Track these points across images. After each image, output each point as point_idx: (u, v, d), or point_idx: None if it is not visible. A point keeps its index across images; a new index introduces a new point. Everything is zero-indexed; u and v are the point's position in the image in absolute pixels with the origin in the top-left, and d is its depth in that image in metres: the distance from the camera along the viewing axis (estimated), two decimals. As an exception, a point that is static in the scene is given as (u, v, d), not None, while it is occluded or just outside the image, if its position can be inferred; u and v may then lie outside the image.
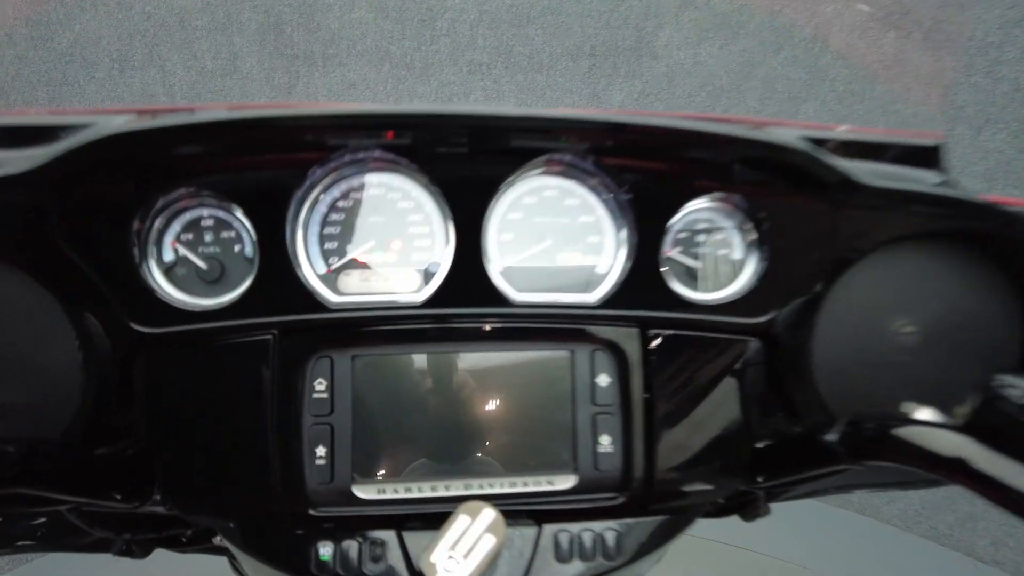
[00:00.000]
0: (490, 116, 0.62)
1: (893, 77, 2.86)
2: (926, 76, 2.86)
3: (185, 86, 2.88)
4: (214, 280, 0.69)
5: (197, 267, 0.70)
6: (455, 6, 3.03)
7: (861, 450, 0.65)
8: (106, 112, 0.67)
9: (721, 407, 0.74)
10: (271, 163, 0.66)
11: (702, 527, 0.79)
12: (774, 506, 0.86)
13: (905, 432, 0.58)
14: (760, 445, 0.76)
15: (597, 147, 0.68)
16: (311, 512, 0.69)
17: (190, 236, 0.70)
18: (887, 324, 0.74)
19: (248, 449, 0.68)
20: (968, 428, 0.49)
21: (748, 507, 0.85)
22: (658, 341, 0.72)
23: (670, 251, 0.74)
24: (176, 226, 0.71)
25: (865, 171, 0.69)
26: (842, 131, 0.77)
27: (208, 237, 0.70)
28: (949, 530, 2.38)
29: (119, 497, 0.67)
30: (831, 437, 0.66)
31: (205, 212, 0.70)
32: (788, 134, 0.70)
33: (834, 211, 0.71)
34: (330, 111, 0.63)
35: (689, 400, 0.73)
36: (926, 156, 0.76)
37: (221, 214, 0.70)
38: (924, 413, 0.69)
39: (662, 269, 0.72)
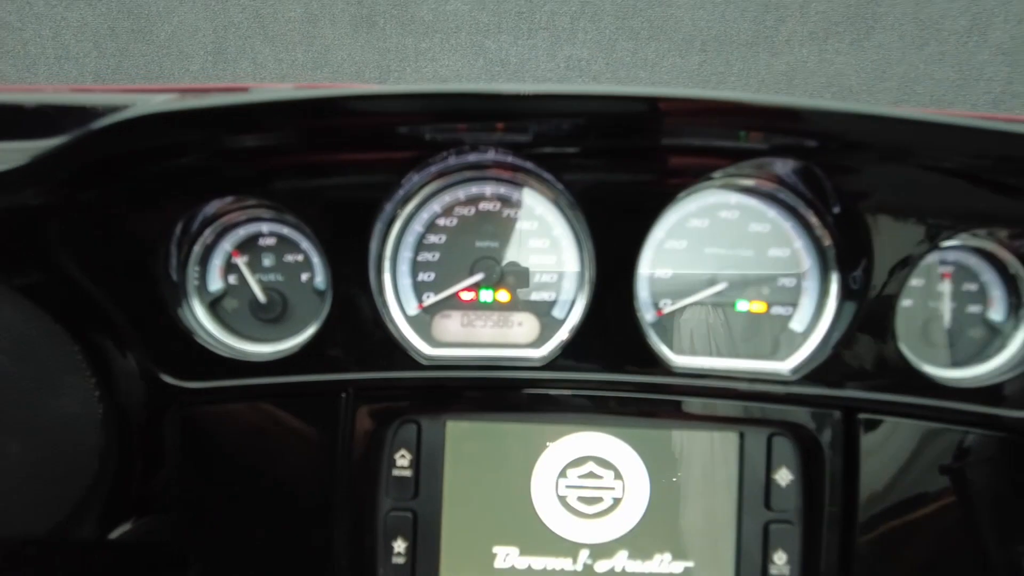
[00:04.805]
0: (659, 98, 0.43)
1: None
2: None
3: (275, 78, 2.82)
4: (273, 318, 0.53)
5: (253, 300, 0.54)
6: (557, -4, 2.83)
7: None
8: (145, 91, 0.52)
9: (947, 526, 0.55)
10: (352, 165, 0.49)
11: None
12: None
13: None
14: None
15: (798, 148, 0.49)
16: None
17: (244, 259, 0.54)
18: None
19: (308, 535, 0.55)
20: None
21: None
22: (869, 431, 0.53)
23: (898, 304, 0.53)
24: (226, 244, 0.55)
25: None
26: None
27: (268, 261, 0.55)
28: None
29: None
30: None
31: (265, 228, 0.55)
32: None
33: None
34: (435, 90, 0.45)
35: (903, 513, 0.54)
36: None
37: (285, 231, 0.54)
38: None
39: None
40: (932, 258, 0.54)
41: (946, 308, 0.55)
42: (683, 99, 0.46)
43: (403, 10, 3.22)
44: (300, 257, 0.55)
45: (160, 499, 0.55)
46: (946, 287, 0.55)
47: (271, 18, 3.11)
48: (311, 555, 0.54)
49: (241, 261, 0.55)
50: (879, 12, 2.92)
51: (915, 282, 0.55)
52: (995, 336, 0.55)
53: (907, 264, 0.51)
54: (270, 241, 0.56)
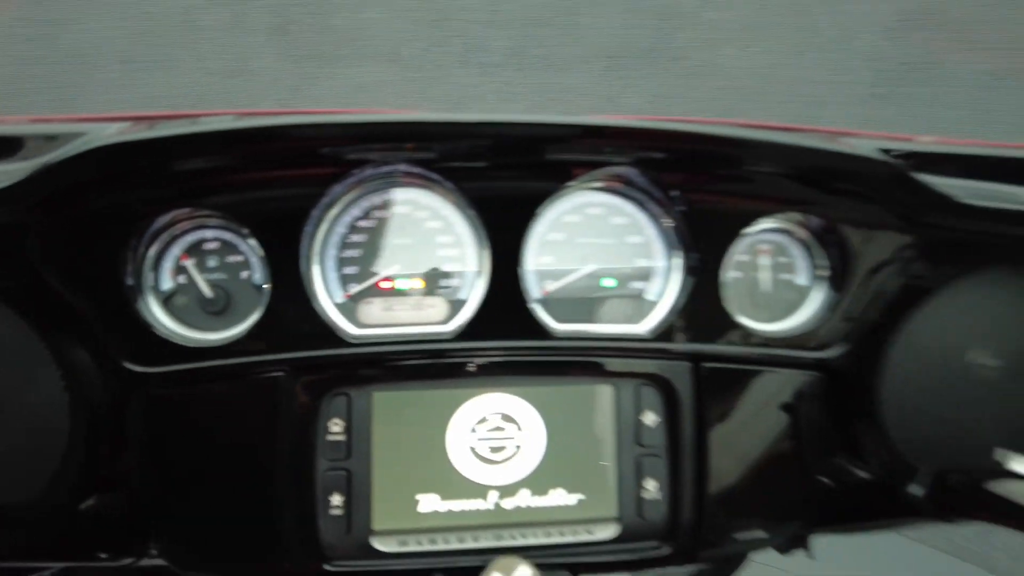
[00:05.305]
0: (536, 124, 0.55)
1: (921, 80, 2.77)
2: (958, 78, 2.76)
3: (191, 87, 2.81)
4: (218, 311, 0.62)
5: (200, 296, 0.63)
6: (468, 6, 2.95)
7: (951, 507, 0.58)
8: (98, 120, 0.60)
9: (777, 447, 0.69)
10: (284, 179, 0.60)
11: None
12: None
13: (1005, 489, 0.52)
14: (821, 489, 0.71)
15: (649, 159, 0.60)
16: (326, 567, 0.65)
17: (192, 261, 0.63)
18: (967, 358, 0.66)
19: (256, 498, 0.63)
20: None
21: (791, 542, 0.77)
22: (712, 377, 0.67)
23: (728, 275, 0.66)
24: (175, 250, 0.64)
25: (958, 189, 0.61)
26: (926, 142, 0.69)
27: (212, 262, 0.64)
28: (966, 542, 2.27)
29: (108, 556, 0.60)
30: (914, 490, 0.59)
31: (209, 234, 0.64)
32: (865, 145, 0.62)
33: (919, 234, 0.63)
34: (353, 120, 0.57)
35: (743, 440, 0.68)
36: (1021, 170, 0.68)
37: (227, 236, 0.64)
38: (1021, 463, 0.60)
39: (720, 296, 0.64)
40: (752, 238, 0.69)
41: (765, 277, 0.70)
42: (567, 125, 0.58)
43: (318, 19, 3.25)
44: (240, 258, 0.64)
45: (123, 476, 0.63)
46: (765, 260, 0.70)
47: (185, 26, 3.08)
48: (260, 515, 0.63)
49: (189, 263, 0.64)
50: (764, 21, 3.18)
51: (743, 257, 0.69)
52: (801, 296, 0.71)
53: (732, 244, 0.66)
54: (213, 245, 0.64)
